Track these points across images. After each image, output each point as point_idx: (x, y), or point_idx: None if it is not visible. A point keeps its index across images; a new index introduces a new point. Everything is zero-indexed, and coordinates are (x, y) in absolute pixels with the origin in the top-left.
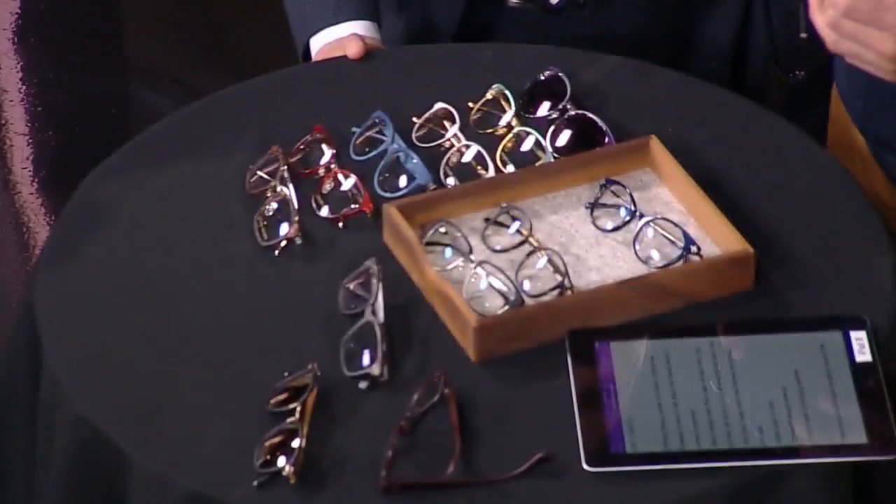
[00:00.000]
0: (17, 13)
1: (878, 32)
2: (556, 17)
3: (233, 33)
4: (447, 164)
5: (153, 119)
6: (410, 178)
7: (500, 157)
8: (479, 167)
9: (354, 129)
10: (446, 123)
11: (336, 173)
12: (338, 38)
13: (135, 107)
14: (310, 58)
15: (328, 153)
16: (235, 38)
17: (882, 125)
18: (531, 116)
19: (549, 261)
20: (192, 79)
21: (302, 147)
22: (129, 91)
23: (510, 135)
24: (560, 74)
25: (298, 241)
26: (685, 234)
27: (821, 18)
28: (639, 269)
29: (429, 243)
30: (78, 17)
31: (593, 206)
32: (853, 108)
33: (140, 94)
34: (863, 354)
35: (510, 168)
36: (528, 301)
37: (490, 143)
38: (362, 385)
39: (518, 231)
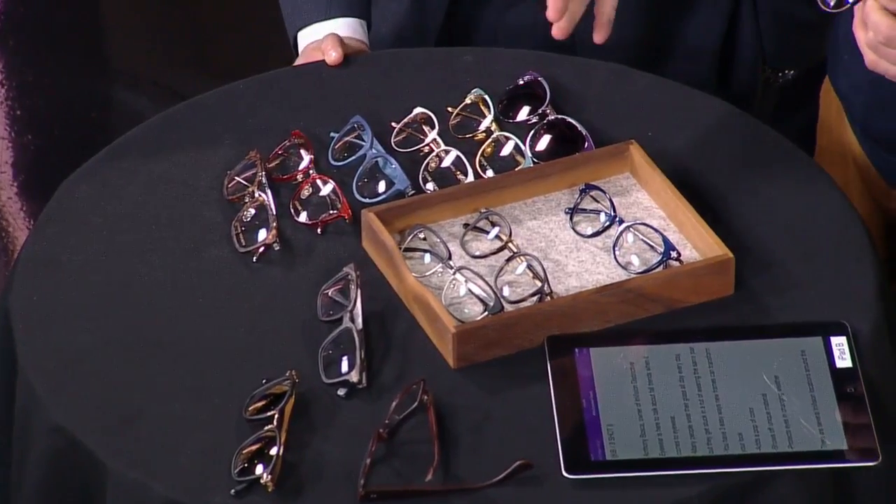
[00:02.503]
0: None
1: None
2: (542, 7)
3: (215, 35)
4: (426, 169)
5: (135, 122)
6: (389, 184)
7: (480, 162)
8: (458, 172)
9: (333, 134)
10: (425, 128)
11: (314, 179)
12: (321, 39)
13: (116, 109)
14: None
15: (306, 158)
16: (218, 40)
17: (885, 123)
18: (511, 121)
19: (529, 266)
20: (173, 81)
21: (280, 152)
22: (110, 94)
23: (489, 140)
24: (540, 79)
25: (276, 247)
26: (665, 240)
27: (862, 37)
28: (618, 275)
29: (407, 249)
30: (58, 20)
31: (573, 211)
32: (853, 108)
33: (122, 96)
34: (843, 360)
35: (489, 173)
36: (508, 307)
37: (469, 148)
38: (341, 392)
39: (497, 237)
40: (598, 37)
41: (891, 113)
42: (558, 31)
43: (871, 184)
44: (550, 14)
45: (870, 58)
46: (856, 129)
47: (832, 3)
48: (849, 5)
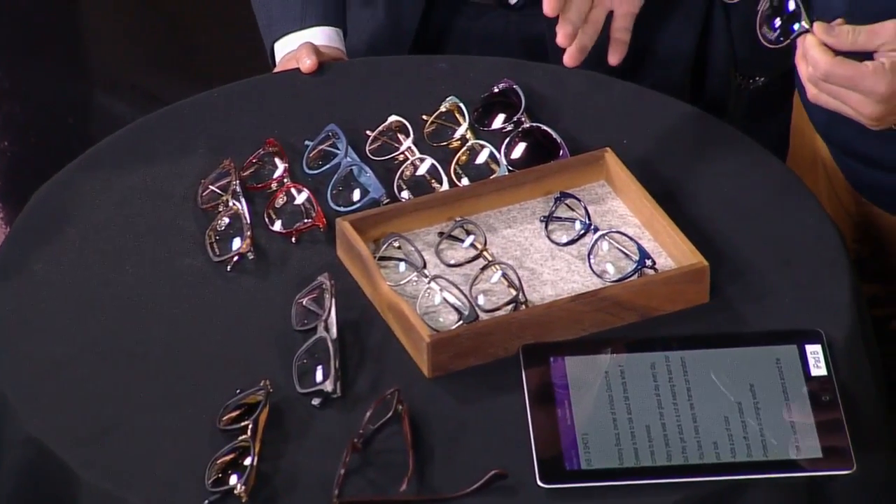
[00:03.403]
0: None
1: (857, 95)
2: (515, 15)
3: (195, 39)
4: (401, 177)
5: (113, 127)
6: (364, 192)
7: (455, 170)
8: (433, 181)
9: (307, 142)
10: (400, 136)
11: (289, 187)
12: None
13: (95, 114)
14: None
15: (281, 167)
16: (198, 45)
17: (845, 133)
18: (486, 129)
19: (504, 275)
20: (153, 86)
21: (254, 161)
22: (88, 99)
23: (464, 148)
24: (514, 87)
25: (251, 256)
26: (640, 248)
27: (803, 71)
28: (593, 283)
29: (382, 258)
30: (36, 24)
31: (548, 219)
32: (816, 118)
33: (100, 101)
34: (818, 368)
35: (465, 181)
36: (483, 316)
37: (444, 156)
38: (315, 402)
39: (472, 245)
40: (613, 59)
41: (851, 123)
42: (569, 59)
43: (839, 188)
44: (547, 9)
45: (811, 92)
46: (820, 135)
47: (772, 38)
48: (788, 41)
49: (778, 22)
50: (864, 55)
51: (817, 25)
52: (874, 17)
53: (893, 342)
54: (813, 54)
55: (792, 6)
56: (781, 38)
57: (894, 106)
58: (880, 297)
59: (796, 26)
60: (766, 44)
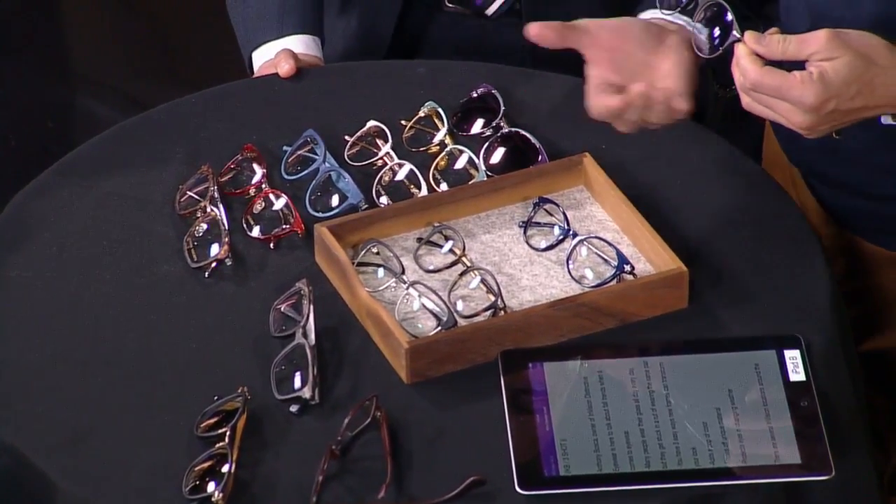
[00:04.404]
0: None
1: (785, 104)
2: (491, 25)
3: (177, 43)
4: (379, 182)
5: (93, 130)
6: (342, 198)
7: (433, 175)
8: (411, 186)
9: (286, 147)
10: (379, 142)
11: (267, 193)
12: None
13: (75, 118)
14: (254, 70)
15: (259, 172)
16: (180, 48)
17: (809, 155)
18: (464, 134)
19: (482, 281)
20: (134, 89)
21: (232, 166)
22: (69, 102)
23: (443, 153)
24: (493, 91)
25: (229, 262)
26: (619, 253)
27: (737, 79)
28: (572, 289)
29: (360, 264)
30: (16, 26)
31: (526, 224)
32: (781, 137)
33: (81, 104)
34: (797, 374)
35: (443, 186)
36: (461, 322)
37: (423, 161)
38: (293, 408)
39: (451, 251)
40: None
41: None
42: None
43: (809, 208)
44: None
45: (745, 100)
46: (786, 154)
47: (706, 50)
48: (720, 50)
49: (716, 31)
50: (797, 65)
51: (748, 34)
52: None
53: (864, 365)
54: (743, 63)
55: (729, 17)
56: (717, 47)
57: (825, 116)
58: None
59: (730, 36)
60: (701, 55)
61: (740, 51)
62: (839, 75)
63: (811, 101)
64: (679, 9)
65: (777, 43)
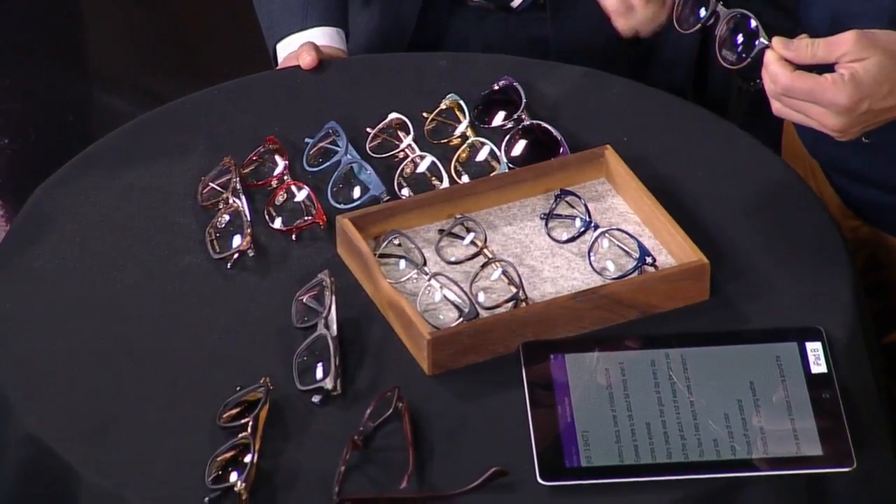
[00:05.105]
0: None
1: (818, 108)
2: (515, 19)
3: (195, 38)
4: (401, 174)
5: (113, 125)
6: (364, 190)
7: (455, 167)
8: (433, 178)
9: (307, 139)
10: (400, 134)
11: (289, 185)
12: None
13: (94, 112)
14: (278, 62)
15: (281, 164)
16: (198, 43)
17: (832, 149)
18: (486, 126)
19: (504, 272)
20: (152, 84)
21: (254, 158)
22: (88, 97)
23: (465, 145)
24: (515, 84)
25: (251, 253)
26: (640, 245)
27: (767, 86)
28: (594, 281)
29: (382, 255)
30: (36, 23)
31: (548, 216)
32: (802, 134)
33: (100, 99)
34: (818, 366)
35: (465, 179)
36: (483, 313)
37: (444, 153)
38: (315, 399)
39: (472, 242)
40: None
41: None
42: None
43: (829, 202)
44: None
45: (775, 106)
46: (808, 150)
47: (732, 59)
48: (749, 59)
49: (740, 39)
50: (826, 68)
51: (776, 40)
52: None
53: (886, 357)
54: (773, 69)
55: (753, 24)
56: (744, 56)
57: (858, 117)
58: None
59: (756, 43)
60: (726, 66)
61: (769, 57)
62: (870, 75)
63: (844, 102)
64: (699, 25)
65: (805, 47)
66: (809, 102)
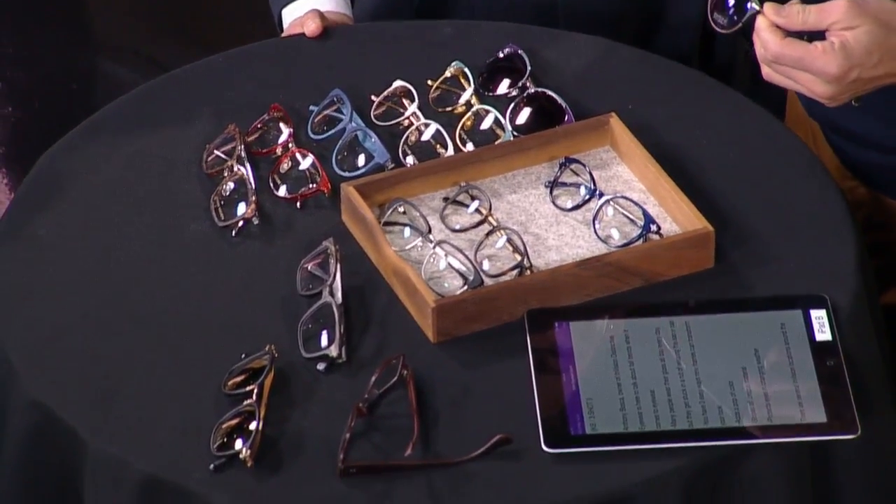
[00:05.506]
0: None
1: (807, 75)
2: None
3: (198, 6)
4: (406, 142)
5: (116, 93)
6: (369, 157)
7: (460, 135)
8: (438, 146)
9: (312, 107)
10: (405, 101)
11: (294, 152)
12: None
13: (98, 81)
14: (283, 28)
15: (286, 132)
16: (201, 11)
17: (828, 112)
18: (491, 94)
19: (509, 240)
20: (156, 52)
21: (259, 126)
22: (92, 65)
23: (469, 113)
24: (519, 52)
25: (256, 221)
26: (645, 213)
27: (758, 51)
28: (598, 249)
29: (387, 223)
30: None
31: (553, 184)
32: (799, 95)
33: (103, 67)
34: (823, 333)
35: (469, 147)
36: (488, 281)
37: (449, 121)
38: (320, 366)
39: (477, 210)
40: None
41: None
42: None
43: (828, 163)
44: None
45: (765, 71)
46: (805, 109)
47: (724, 23)
48: (740, 24)
49: (732, 3)
50: (817, 34)
51: (767, 6)
52: None
53: (886, 317)
54: (763, 36)
55: None
56: (735, 18)
57: (847, 85)
58: None
59: (748, 7)
60: (718, 29)
61: (760, 23)
62: (860, 44)
63: (834, 71)
64: None
65: (797, 13)
66: (799, 70)
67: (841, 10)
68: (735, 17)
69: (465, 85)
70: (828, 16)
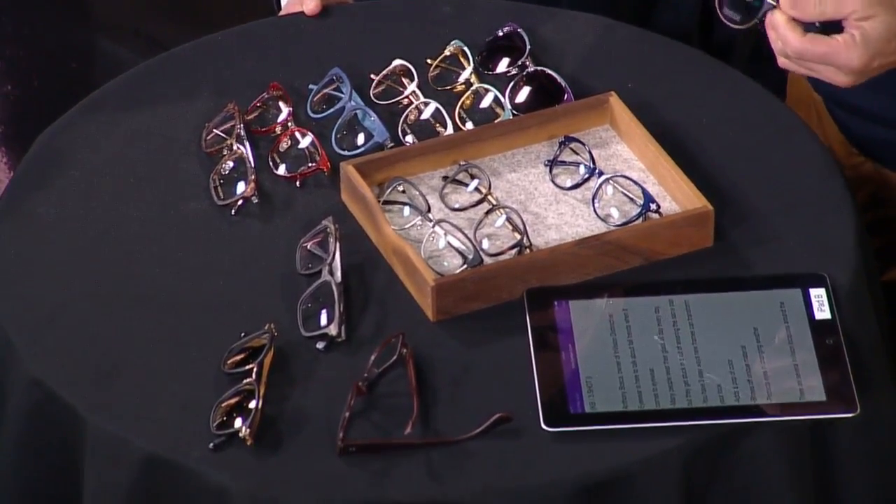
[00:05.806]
0: None
1: (830, 68)
2: None
3: None
4: (405, 121)
5: (116, 72)
6: (368, 136)
7: (459, 114)
8: (437, 125)
9: (311, 86)
10: (404, 80)
11: (293, 131)
12: None
13: (97, 59)
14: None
15: (285, 111)
16: None
17: (832, 86)
18: (490, 73)
19: (508, 219)
20: (155, 31)
21: (258, 104)
22: (91, 44)
23: (469, 92)
24: (519, 30)
25: (255, 200)
26: (644, 192)
27: (774, 45)
28: (598, 227)
29: (386, 202)
30: None
31: (552, 163)
32: None
33: (103, 46)
34: (822, 312)
35: (469, 125)
36: (487, 260)
37: (449, 100)
38: (319, 345)
39: (476, 189)
40: None
41: None
42: None
43: (832, 138)
44: None
45: (781, 61)
46: (811, 83)
47: (738, 19)
48: (755, 20)
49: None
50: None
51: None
52: None
53: (885, 295)
54: (783, 33)
55: None
56: (752, 15)
57: (868, 72)
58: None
59: (764, 2)
60: (731, 25)
61: (778, 19)
62: (878, 33)
63: (857, 65)
64: None
65: (814, 6)
66: (822, 64)
67: (857, 0)
68: (751, 14)
69: (465, 64)
70: (845, 6)
